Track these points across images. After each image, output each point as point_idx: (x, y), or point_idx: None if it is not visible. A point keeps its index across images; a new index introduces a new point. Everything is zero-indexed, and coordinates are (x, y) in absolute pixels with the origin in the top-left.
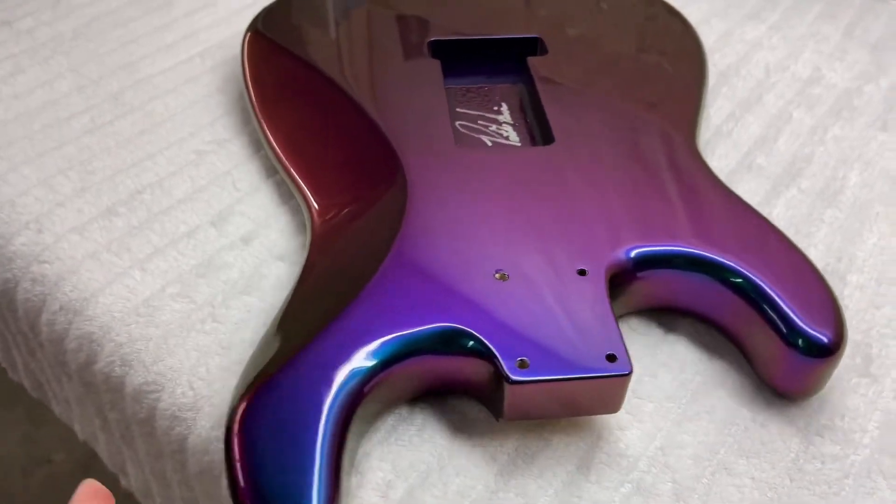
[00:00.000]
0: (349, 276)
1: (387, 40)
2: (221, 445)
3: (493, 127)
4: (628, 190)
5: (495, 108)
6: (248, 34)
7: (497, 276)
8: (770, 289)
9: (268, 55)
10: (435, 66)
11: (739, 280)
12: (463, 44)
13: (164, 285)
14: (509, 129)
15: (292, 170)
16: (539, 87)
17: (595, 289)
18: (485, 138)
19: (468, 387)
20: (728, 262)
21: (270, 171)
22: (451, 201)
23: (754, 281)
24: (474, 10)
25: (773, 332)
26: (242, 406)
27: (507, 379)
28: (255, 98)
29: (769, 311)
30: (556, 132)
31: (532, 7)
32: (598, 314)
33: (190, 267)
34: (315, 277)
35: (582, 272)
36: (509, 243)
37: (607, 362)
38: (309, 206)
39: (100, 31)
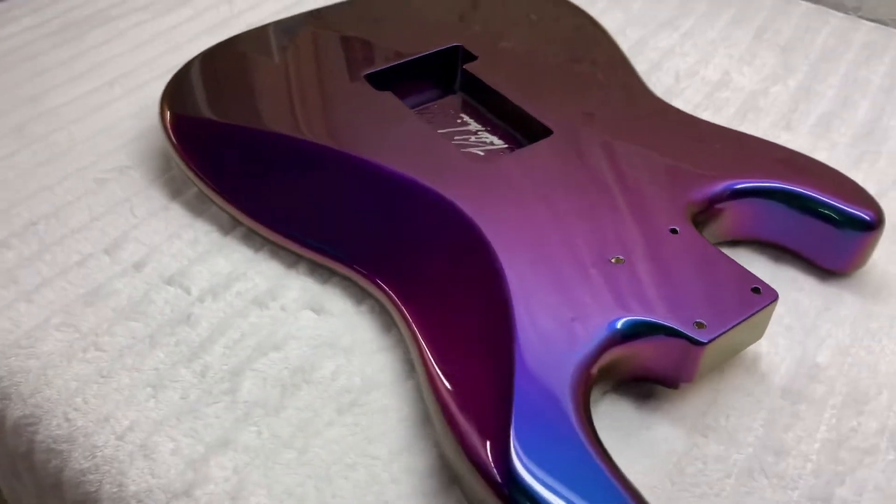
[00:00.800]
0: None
1: (331, 83)
2: (94, 477)
3: (472, 138)
4: (657, 147)
5: (458, 120)
6: (169, 114)
7: (613, 260)
8: (818, 195)
9: (199, 132)
10: (390, 97)
11: (791, 195)
12: (398, 69)
13: (48, 315)
14: (486, 135)
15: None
16: (496, 88)
17: (694, 239)
18: (475, 150)
19: (651, 367)
20: (776, 184)
21: (173, 195)
22: (518, 216)
23: (804, 192)
24: (388, 35)
25: (830, 226)
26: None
27: (699, 343)
28: (213, 184)
29: (826, 210)
30: (547, 123)
31: (446, 20)
32: (715, 260)
33: (77, 296)
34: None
35: (674, 231)
36: (597, 231)
37: (757, 295)
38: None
39: (8, 66)
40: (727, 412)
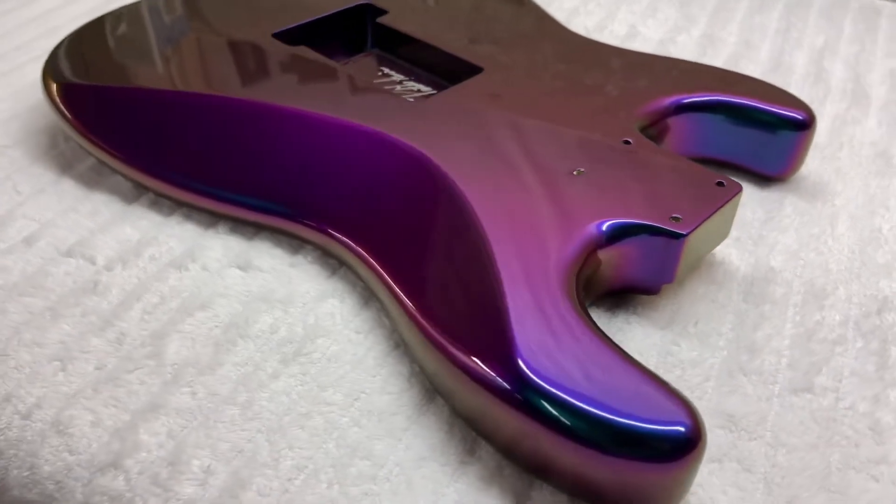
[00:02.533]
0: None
1: (240, 41)
2: None
3: (398, 87)
4: (595, 73)
5: (379, 73)
6: (55, 86)
7: (575, 173)
8: (754, 102)
9: (94, 100)
10: (306, 50)
11: (731, 106)
12: (307, 29)
13: None
14: (411, 83)
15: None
16: (413, 35)
17: (648, 146)
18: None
19: (632, 271)
20: (717, 97)
21: (63, 170)
22: (470, 146)
23: (742, 102)
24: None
25: (766, 131)
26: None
27: (680, 235)
28: (118, 151)
29: (763, 116)
30: (475, 62)
31: None
32: (673, 162)
33: None
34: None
35: (627, 142)
36: (552, 149)
37: (723, 188)
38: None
39: None
40: (694, 319)
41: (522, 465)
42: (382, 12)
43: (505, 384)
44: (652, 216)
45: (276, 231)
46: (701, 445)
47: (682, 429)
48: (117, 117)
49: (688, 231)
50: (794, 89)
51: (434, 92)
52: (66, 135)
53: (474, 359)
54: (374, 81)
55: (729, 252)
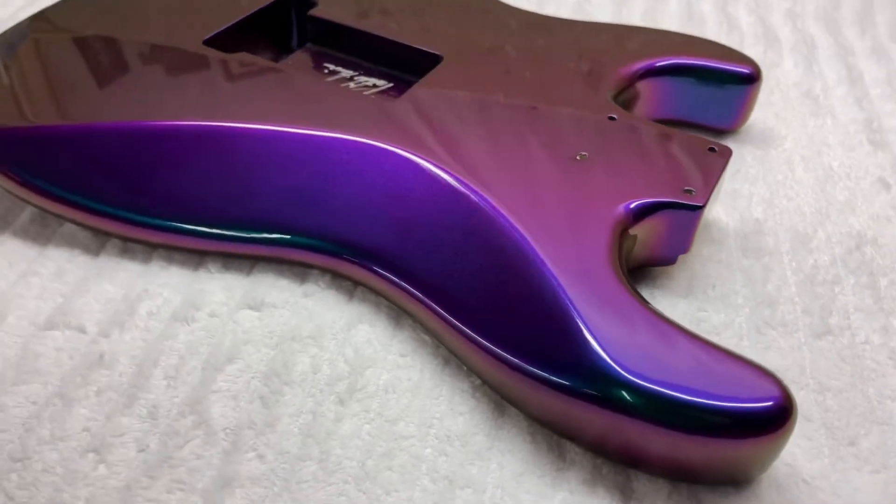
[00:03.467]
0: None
1: (177, 54)
2: None
3: (352, 84)
4: (554, 49)
5: (325, 71)
6: None
7: (578, 158)
8: (708, 62)
9: (30, 146)
10: (246, 56)
11: (688, 67)
12: (236, 31)
13: None
14: (363, 78)
15: None
16: (358, 27)
17: (633, 120)
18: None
19: (653, 247)
20: (676, 60)
21: None
22: (470, 144)
23: (698, 63)
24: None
25: (719, 87)
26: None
27: (698, 207)
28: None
29: (711, 72)
30: (432, 50)
31: None
32: (662, 133)
33: None
34: None
35: (612, 118)
36: (547, 136)
37: (716, 154)
38: None
39: None
40: (711, 283)
41: (615, 458)
42: (310, 4)
43: (594, 386)
44: (669, 192)
45: (273, 260)
46: (794, 412)
47: (774, 401)
48: (68, 161)
49: (704, 202)
50: (711, 38)
51: (389, 85)
52: None
53: (558, 370)
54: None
55: (715, 210)
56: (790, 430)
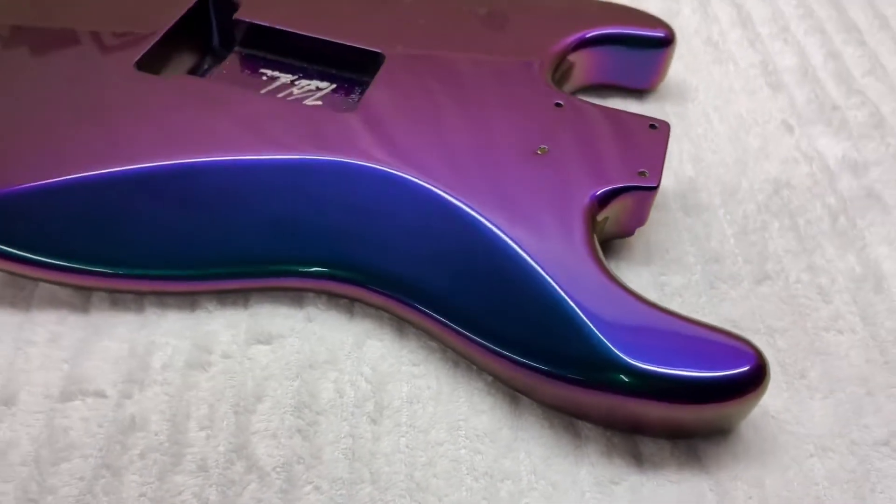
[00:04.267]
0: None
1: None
2: None
3: (295, 90)
4: (483, 35)
5: (263, 77)
6: None
7: (539, 152)
8: (630, 29)
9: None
10: (187, 80)
11: (613, 36)
12: (161, 47)
13: None
14: (304, 82)
15: None
16: (291, 29)
17: (579, 104)
18: (310, 101)
19: (615, 225)
20: (602, 30)
21: None
22: (433, 150)
23: (621, 31)
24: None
25: (640, 51)
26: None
27: (654, 188)
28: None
29: (633, 38)
30: (372, 48)
31: None
32: (606, 114)
33: None
34: None
35: (559, 104)
36: (504, 132)
37: (657, 130)
38: None
39: None
40: (664, 248)
41: (621, 428)
42: (231, 5)
43: (600, 374)
44: (626, 177)
45: (265, 289)
46: (768, 369)
47: (752, 364)
48: (35, 222)
49: (657, 182)
50: None
51: (332, 86)
52: None
53: (566, 364)
54: (266, 91)
55: None
56: (767, 384)
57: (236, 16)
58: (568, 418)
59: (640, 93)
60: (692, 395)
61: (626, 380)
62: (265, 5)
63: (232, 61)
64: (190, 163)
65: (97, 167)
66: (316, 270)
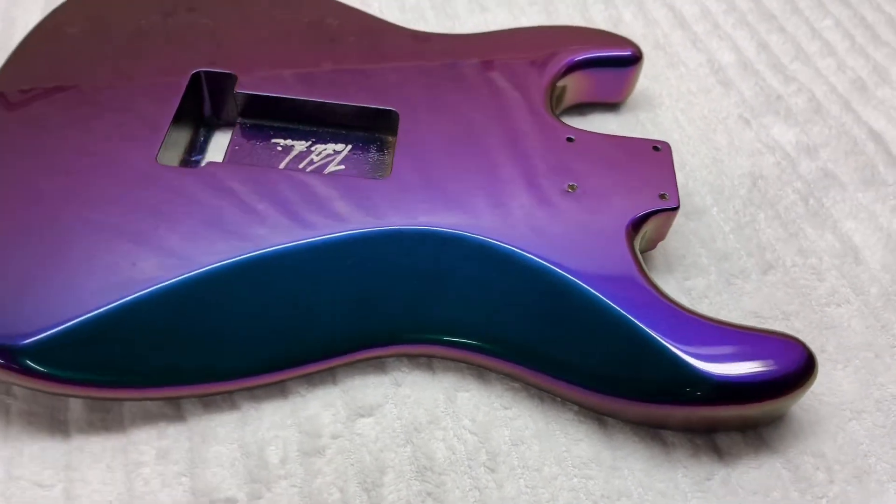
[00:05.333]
0: None
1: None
2: None
3: (315, 158)
4: (479, 68)
5: (278, 148)
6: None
7: (569, 189)
8: (606, 51)
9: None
10: (215, 168)
11: (591, 59)
12: (175, 134)
13: None
14: (319, 146)
15: None
16: (296, 97)
17: (589, 135)
18: (334, 168)
19: (645, 245)
20: (583, 55)
21: (6, 419)
22: (483, 200)
23: (598, 54)
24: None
25: (613, 70)
26: None
27: (676, 208)
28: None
29: (605, 60)
30: (383, 105)
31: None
32: (616, 142)
33: None
34: None
35: (570, 139)
36: (534, 174)
37: (660, 151)
38: None
39: None
40: (680, 254)
41: (700, 430)
42: (224, 76)
43: (683, 392)
44: (650, 202)
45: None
46: (815, 358)
47: (803, 357)
48: (119, 346)
49: (678, 202)
50: (563, 18)
51: (347, 147)
52: None
53: (652, 389)
54: (288, 165)
55: None
56: (817, 370)
57: (238, 89)
58: (652, 430)
59: (613, 105)
60: (762, 394)
61: (706, 392)
62: (263, 74)
63: (239, 135)
64: (256, 255)
65: (165, 277)
66: (396, 337)
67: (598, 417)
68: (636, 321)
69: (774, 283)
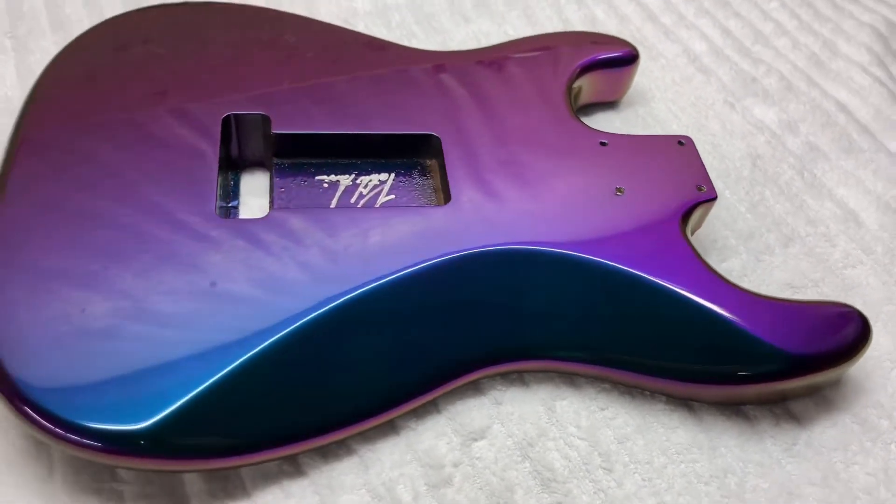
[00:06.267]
0: None
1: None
2: None
3: (363, 191)
4: (505, 80)
5: (325, 185)
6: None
7: (618, 192)
8: (607, 53)
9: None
10: (278, 216)
11: (598, 61)
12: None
13: None
14: (364, 178)
15: None
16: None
17: (619, 139)
18: (382, 199)
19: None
20: (591, 57)
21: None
22: (545, 210)
23: (607, 56)
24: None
25: (614, 70)
26: None
27: (714, 198)
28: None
29: (609, 62)
30: (423, 130)
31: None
32: (645, 141)
33: None
34: None
35: (603, 144)
36: (589, 181)
37: (685, 144)
38: None
39: None
40: (711, 238)
41: (773, 401)
42: (256, 118)
43: (766, 370)
44: (691, 195)
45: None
46: (869, 321)
47: (860, 322)
48: (231, 411)
49: (715, 192)
50: (546, 23)
51: (390, 175)
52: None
53: (737, 370)
54: (337, 200)
55: None
56: (872, 333)
57: (274, 130)
58: (734, 407)
59: (611, 104)
60: (831, 361)
61: (783, 367)
62: (296, 113)
63: (280, 176)
64: (352, 297)
65: (269, 335)
66: (491, 357)
67: (685, 403)
68: (713, 308)
69: (796, 254)
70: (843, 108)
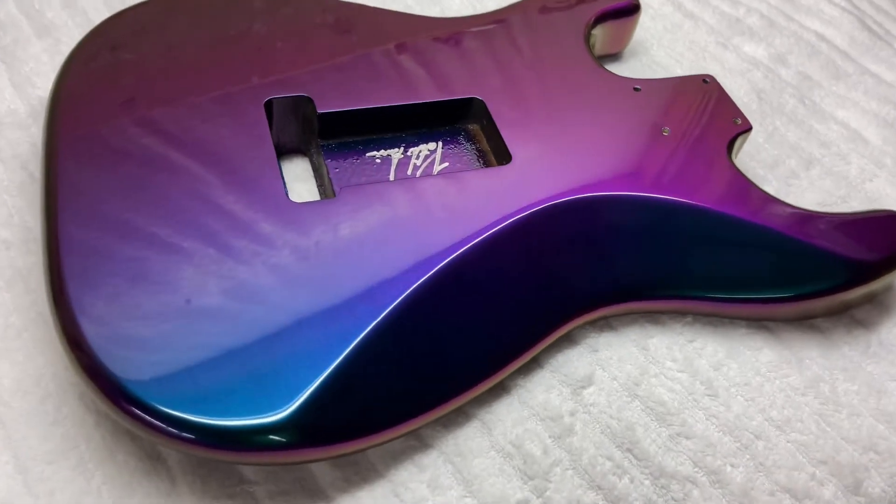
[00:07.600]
0: None
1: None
2: None
3: (417, 161)
4: (527, 36)
5: (378, 160)
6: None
7: (665, 133)
8: (613, 6)
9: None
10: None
11: (606, 10)
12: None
13: None
14: (413, 149)
15: None
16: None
17: (651, 83)
18: (441, 166)
19: None
20: (602, 8)
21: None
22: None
23: (610, 7)
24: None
25: (618, 21)
26: None
27: (750, 128)
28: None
29: (616, 12)
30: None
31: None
32: (673, 84)
33: None
34: None
35: (637, 89)
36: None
37: (708, 83)
38: None
39: None
40: (742, 170)
41: (836, 313)
42: (298, 101)
43: (835, 282)
44: (732, 128)
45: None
46: None
47: None
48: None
49: (749, 124)
50: None
51: (438, 144)
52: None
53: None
54: (392, 173)
55: None
56: None
57: (320, 110)
58: (805, 322)
59: (615, 57)
60: (892, 266)
61: (850, 276)
62: (336, 91)
63: (329, 157)
64: (453, 259)
65: (383, 308)
66: (581, 307)
67: (763, 325)
68: (779, 230)
69: (819, 175)
70: (822, 37)
